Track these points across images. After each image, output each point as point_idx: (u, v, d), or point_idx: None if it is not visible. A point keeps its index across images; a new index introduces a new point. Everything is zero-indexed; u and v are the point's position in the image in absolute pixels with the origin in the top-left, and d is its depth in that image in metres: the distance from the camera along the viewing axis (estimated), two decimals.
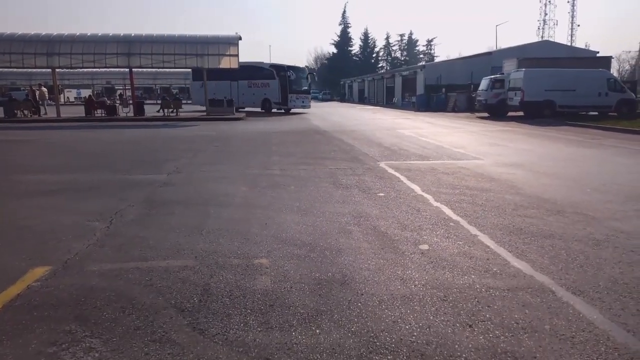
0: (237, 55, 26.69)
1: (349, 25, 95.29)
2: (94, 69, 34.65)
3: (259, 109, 34.16)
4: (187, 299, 3.44)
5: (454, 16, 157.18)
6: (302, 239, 4.84)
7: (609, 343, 2.84)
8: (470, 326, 3.05)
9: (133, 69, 27.39)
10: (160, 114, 27.95)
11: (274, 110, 33.91)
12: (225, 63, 26.96)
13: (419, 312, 3.24)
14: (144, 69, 35.44)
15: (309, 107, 35.00)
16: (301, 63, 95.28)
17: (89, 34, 26.41)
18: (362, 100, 66.20)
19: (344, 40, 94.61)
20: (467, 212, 5.83)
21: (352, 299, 3.44)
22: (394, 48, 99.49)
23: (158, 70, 42.28)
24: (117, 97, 43.96)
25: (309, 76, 37.25)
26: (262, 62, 35.23)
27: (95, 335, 2.93)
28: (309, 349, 2.77)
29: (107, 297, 3.45)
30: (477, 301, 3.41)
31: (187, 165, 9.81)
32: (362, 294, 3.52)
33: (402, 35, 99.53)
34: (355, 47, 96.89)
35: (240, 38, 27.21)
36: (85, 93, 52.25)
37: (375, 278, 3.83)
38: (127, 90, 44.18)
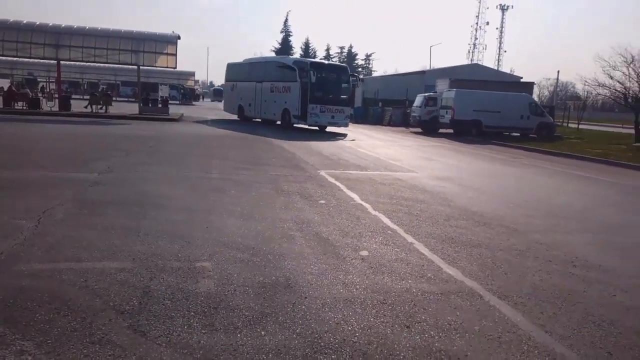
0: (175, 55, 25.91)
1: (291, 33, 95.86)
2: (15, 58, 32.15)
3: (279, 122, 23.39)
4: (127, 301, 3.33)
5: (392, 34, 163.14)
6: (245, 243, 4.84)
7: (530, 342, 3.13)
8: (407, 327, 3.23)
9: (61, 62, 25.78)
10: (88, 110, 26.45)
11: (296, 125, 22.61)
12: (162, 62, 26.11)
13: (360, 314, 3.37)
14: (72, 62, 33.32)
15: (345, 125, 22.39)
16: None
17: (11, 20, 24.56)
18: None
19: (285, 48, 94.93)
20: (403, 221, 6.11)
21: (297, 302, 3.50)
22: (334, 60, 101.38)
23: (86, 64, 39.74)
24: (40, 90, 40.96)
25: (353, 79, 23.89)
26: (285, 57, 27.59)
27: (27, 337, 2.77)
28: (254, 350, 2.80)
29: (40, 299, 3.26)
30: (414, 304, 3.61)
31: (119, 165, 9.40)
32: (306, 297, 3.60)
33: (342, 48, 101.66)
34: (296, 56, 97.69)
35: (179, 37, 26.50)
36: (3, 83, 48.29)
37: (319, 282, 3.92)
38: (50, 83, 41.16)
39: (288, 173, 9.46)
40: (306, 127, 22.55)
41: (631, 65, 21.04)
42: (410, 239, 5.37)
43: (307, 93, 21.05)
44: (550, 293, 4.02)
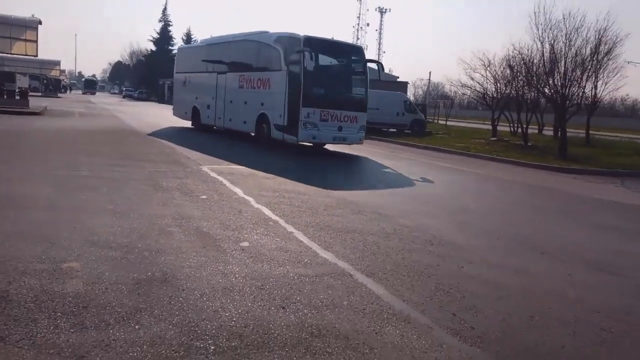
0: (35, 42, 23.37)
1: (170, 23, 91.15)
2: None
3: (253, 134, 15.55)
4: None
5: (277, 28, 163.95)
6: (118, 241, 4.65)
7: (390, 311, 3.53)
8: (283, 308, 3.43)
9: None
10: None
11: (279, 139, 13.98)
12: (20, 49, 23.39)
13: (238, 301, 3.49)
14: None
15: (358, 140, 14.21)
16: (114, 57, 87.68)
17: None
18: None
19: (164, 38, 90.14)
20: (285, 213, 6.33)
21: (173, 295, 3.51)
22: None
23: None
24: None
25: (378, 66, 15.68)
26: (263, 32, 15.28)
27: None
28: (127, 344, 2.77)
29: None
30: (290, 287, 3.83)
31: None
32: (184, 290, 3.62)
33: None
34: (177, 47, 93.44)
35: (40, 22, 23.91)
36: None
37: (197, 274, 3.95)
38: None
39: (167, 169, 9.17)
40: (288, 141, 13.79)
41: (488, 68, 23.80)
42: (290, 228, 5.61)
43: (298, 89, 12.80)
44: (410, 268, 4.53)
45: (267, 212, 6.31)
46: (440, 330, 3.31)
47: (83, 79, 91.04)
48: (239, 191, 7.52)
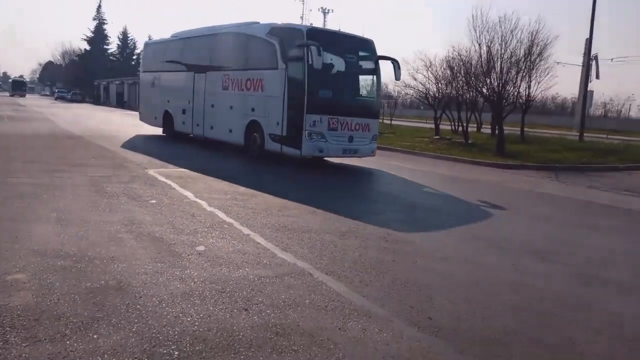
0: None
1: (105, 21, 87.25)
2: None
3: (242, 144, 12.91)
4: None
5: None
6: (66, 250, 4.44)
7: (350, 307, 3.61)
8: (246, 310, 3.42)
9: None
10: None
11: (275, 151, 11.75)
12: None
13: (199, 305, 3.45)
14: None
15: (370, 152, 12.03)
16: (44, 58, 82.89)
17: None
18: (122, 104, 61.57)
19: (99, 37, 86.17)
20: (239, 215, 6.28)
21: (131, 302, 3.41)
22: None
23: None
24: None
25: (393, 64, 12.19)
26: (252, 24, 13.18)
27: None
28: (87, 354, 2.67)
29: None
30: (251, 289, 3.82)
31: None
32: (141, 297, 3.52)
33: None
34: (113, 47, 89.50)
35: None
36: None
37: (154, 280, 3.86)
38: None
39: (111, 173, 8.82)
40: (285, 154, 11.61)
41: (430, 68, 24.62)
42: (246, 230, 5.57)
43: (301, 91, 10.65)
44: (368, 265, 4.65)
45: (221, 215, 6.23)
46: (400, 322, 3.43)
47: (10, 80, 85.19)
48: (189, 194, 7.37)
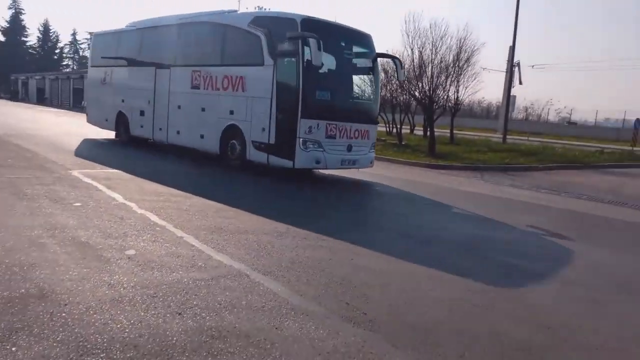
0: None
1: (22, 11, 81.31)
2: None
3: (217, 152, 11.26)
4: None
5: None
6: None
7: (288, 306, 3.63)
8: (179, 314, 3.33)
9: None
10: None
11: (259, 161, 10.19)
12: None
13: (129, 311, 3.31)
14: None
15: (369, 162, 10.74)
16: None
17: None
18: (42, 100, 57.64)
19: (15, 28, 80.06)
20: (172, 217, 6.09)
21: (55, 311, 3.21)
22: (82, 46, 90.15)
23: None
24: None
25: (396, 63, 11.41)
26: (230, 13, 11.76)
27: None
28: None
29: None
30: (185, 292, 3.72)
31: None
32: (66, 304, 3.32)
33: (91, 34, 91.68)
34: (32, 39, 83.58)
35: None
36: None
37: (80, 287, 3.65)
38: None
39: (31, 175, 8.22)
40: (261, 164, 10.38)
41: None
42: (180, 233, 5.42)
43: (295, 92, 9.28)
44: (305, 264, 4.68)
45: (152, 217, 6.02)
46: (336, 319, 3.50)
47: None
48: (118, 196, 7.04)
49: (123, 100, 14.66)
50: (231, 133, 10.73)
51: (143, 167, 10.35)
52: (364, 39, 10.66)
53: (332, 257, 5.03)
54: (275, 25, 9.86)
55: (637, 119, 23.38)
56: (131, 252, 4.63)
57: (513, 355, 3.20)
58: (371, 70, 10.78)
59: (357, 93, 10.70)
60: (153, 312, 3.34)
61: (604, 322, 3.95)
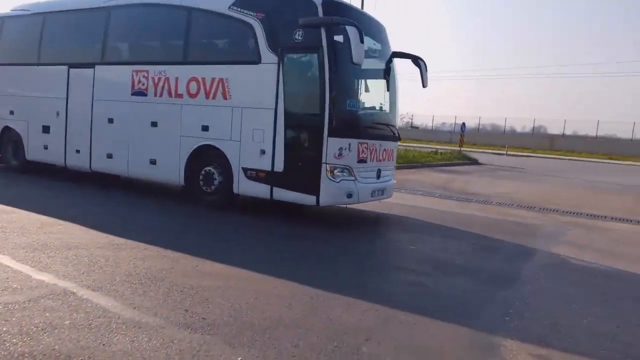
0: None
1: None
2: None
3: (182, 184, 8.31)
4: None
5: None
6: None
7: (119, 321, 3.42)
8: None
9: None
10: None
11: (254, 194, 7.60)
12: None
13: None
14: None
15: (392, 192, 8.45)
16: None
17: None
18: None
19: None
20: None
21: None
22: None
23: None
24: None
25: (421, 65, 8.59)
26: None
27: None
28: None
29: None
30: None
31: None
32: None
33: None
34: None
35: None
36: None
37: None
38: None
39: None
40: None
41: None
42: None
43: (317, 100, 6.82)
44: (143, 275, 4.46)
45: None
46: (172, 328, 3.40)
47: None
48: None
49: (12, 112, 10.72)
50: (205, 157, 8.00)
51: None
52: (383, 32, 8.28)
53: (174, 265, 4.89)
54: (278, 8, 7.35)
55: (463, 123, 27.21)
56: None
57: (342, 338, 3.47)
58: (391, 72, 8.25)
59: (383, 102, 8.25)
60: None
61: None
